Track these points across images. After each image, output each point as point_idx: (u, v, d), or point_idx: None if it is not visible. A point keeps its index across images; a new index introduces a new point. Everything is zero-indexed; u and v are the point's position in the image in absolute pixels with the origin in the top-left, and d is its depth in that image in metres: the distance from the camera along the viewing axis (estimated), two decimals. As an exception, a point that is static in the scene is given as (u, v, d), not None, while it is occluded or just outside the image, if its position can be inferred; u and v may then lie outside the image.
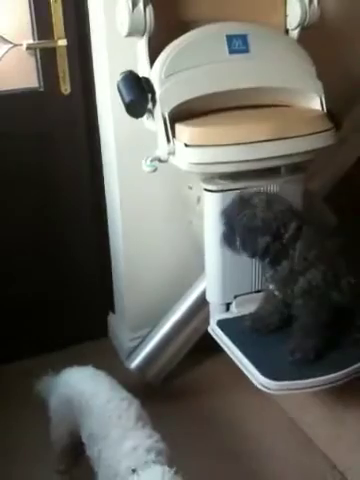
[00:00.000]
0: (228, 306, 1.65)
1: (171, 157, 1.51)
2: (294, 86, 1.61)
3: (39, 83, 1.84)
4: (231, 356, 1.51)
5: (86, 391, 1.38)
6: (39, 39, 1.79)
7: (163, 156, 1.51)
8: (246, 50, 1.55)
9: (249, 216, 1.38)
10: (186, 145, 1.44)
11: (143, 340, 1.90)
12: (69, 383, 1.44)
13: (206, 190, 1.55)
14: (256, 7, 1.64)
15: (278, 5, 1.66)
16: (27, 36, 1.78)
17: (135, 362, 1.88)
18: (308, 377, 1.40)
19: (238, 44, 1.55)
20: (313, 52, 1.63)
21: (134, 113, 1.49)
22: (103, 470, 1.24)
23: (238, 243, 1.39)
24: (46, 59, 1.82)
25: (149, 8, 1.45)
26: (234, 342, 1.51)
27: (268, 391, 1.39)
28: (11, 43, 1.77)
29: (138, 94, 1.46)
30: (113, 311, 2.15)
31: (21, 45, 1.78)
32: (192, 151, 1.45)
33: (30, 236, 1.97)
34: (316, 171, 1.79)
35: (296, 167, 1.60)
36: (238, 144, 1.44)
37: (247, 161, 1.46)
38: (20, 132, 1.83)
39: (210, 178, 1.55)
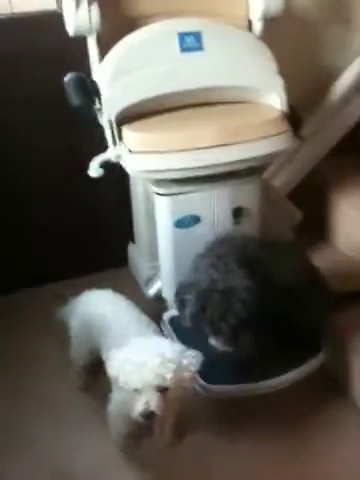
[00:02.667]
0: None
1: (121, 160, 1.50)
2: (251, 84, 1.55)
3: (58, 4, 1.77)
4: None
5: (107, 313, 1.45)
6: None
7: (112, 158, 1.50)
8: (200, 48, 1.49)
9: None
10: (130, 151, 1.43)
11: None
12: (90, 305, 1.53)
13: (156, 193, 1.54)
14: (216, -2, 1.58)
15: (241, -5, 1.59)
16: None
17: (153, 289, 1.87)
18: (243, 382, 1.41)
19: (191, 42, 1.48)
20: (278, 46, 1.56)
21: (82, 116, 1.48)
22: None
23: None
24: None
25: (94, 6, 1.41)
26: (179, 340, 1.52)
27: (206, 394, 1.41)
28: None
29: (84, 99, 1.44)
30: (133, 241, 2.15)
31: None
32: (136, 157, 1.43)
33: (51, 165, 1.94)
34: (280, 168, 1.74)
35: (253, 169, 1.56)
36: (182, 151, 1.41)
37: (193, 168, 1.43)
38: (40, 51, 1.79)
39: (160, 181, 1.53)
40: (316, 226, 1.96)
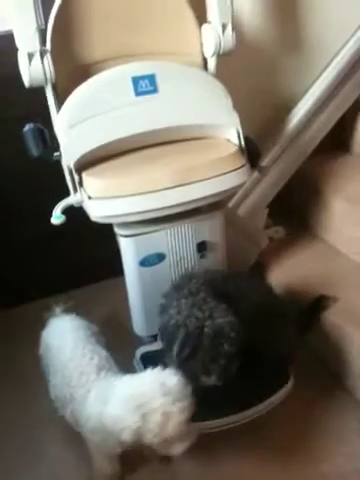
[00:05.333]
0: (156, 337, 1.70)
1: (83, 205, 1.53)
2: (207, 122, 1.58)
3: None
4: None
5: (51, 346, 1.47)
6: None
7: (75, 204, 1.54)
8: (154, 90, 1.52)
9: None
10: (89, 197, 1.46)
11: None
12: (46, 332, 1.54)
13: (119, 235, 1.57)
14: (170, 38, 1.60)
15: (193, 33, 1.61)
16: None
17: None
18: (225, 415, 1.43)
19: (145, 85, 1.52)
20: (234, 79, 1.59)
21: (45, 162, 1.51)
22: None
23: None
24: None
25: (47, 58, 1.43)
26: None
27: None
28: None
29: (43, 149, 1.47)
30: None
31: None
32: (95, 203, 1.46)
33: (43, 173, 1.75)
34: (243, 197, 1.77)
35: (214, 203, 1.59)
36: (139, 194, 1.44)
37: (151, 210, 1.47)
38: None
39: (123, 223, 1.56)
40: (306, 222, 1.99)
